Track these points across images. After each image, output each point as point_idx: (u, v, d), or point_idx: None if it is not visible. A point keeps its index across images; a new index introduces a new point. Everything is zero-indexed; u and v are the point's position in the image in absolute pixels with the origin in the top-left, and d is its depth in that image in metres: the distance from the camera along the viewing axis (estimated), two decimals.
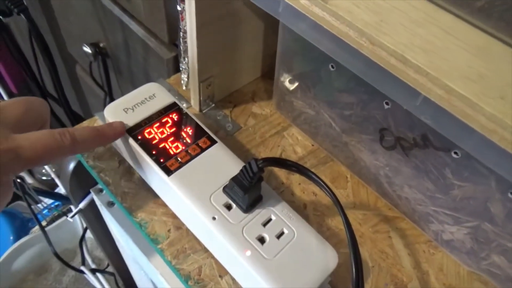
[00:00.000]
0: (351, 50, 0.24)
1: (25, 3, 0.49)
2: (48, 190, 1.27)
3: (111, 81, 0.74)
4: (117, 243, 0.60)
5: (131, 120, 0.36)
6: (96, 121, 0.43)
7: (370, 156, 0.39)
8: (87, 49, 0.69)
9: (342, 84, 0.37)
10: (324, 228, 0.39)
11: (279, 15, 0.30)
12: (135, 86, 0.39)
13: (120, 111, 0.37)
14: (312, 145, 0.45)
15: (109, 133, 0.34)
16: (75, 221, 1.16)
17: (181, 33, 0.40)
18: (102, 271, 0.86)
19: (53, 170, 1.19)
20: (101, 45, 0.69)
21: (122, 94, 0.38)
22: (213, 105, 0.46)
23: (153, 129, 0.36)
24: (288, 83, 0.42)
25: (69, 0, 0.70)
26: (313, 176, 0.30)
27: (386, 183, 0.39)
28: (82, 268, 0.82)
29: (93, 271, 0.85)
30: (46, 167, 1.18)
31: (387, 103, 0.33)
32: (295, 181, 0.42)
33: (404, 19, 0.24)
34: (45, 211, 1.27)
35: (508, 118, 0.19)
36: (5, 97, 1.07)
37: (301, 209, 0.40)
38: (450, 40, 0.23)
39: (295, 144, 0.45)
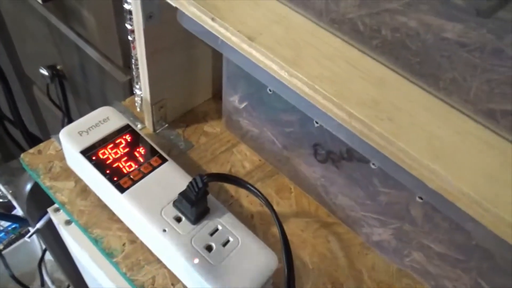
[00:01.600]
0: (277, 80, 0.29)
1: None
2: (5, 212, 1.23)
3: (69, 102, 0.76)
4: (76, 263, 0.61)
5: (85, 142, 0.39)
6: (52, 143, 0.45)
7: (308, 168, 0.43)
8: (44, 72, 0.70)
9: (280, 104, 0.41)
10: (269, 235, 0.42)
11: (219, 47, 0.34)
12: (92, 107, 0.42)
13: (75, 134, 0.39)
14: (259, 160, 0.49)
15: None
16: (34, 243, 1.14)
17: (133, 60, 0.43)
18: None
19: (10, 191, 1.17)
20: (58, 67, 0.71)
21: (80, 115, 0.41)
22: (166, 125, 0.49)
23: (107, 150, 0.39)
24: (234, 104, 0.47)
25: (25, 23, 0.71)
26: (251, 187, 0.34)
27: (323, 193, 0.44)
28: None
29: None
30: (2, 188, 1.16)
31: (316, 122, 0.37)
32: (243, 194, 0.45)
33: (317, 54, 0.28)
34: (1, 234, 1.23)
35: (393, 136, 0.24)
36: None
37: (248, 219, 0.43)
38: (354, 72, 0.28)
39: (244, 159, 0.49)
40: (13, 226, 1.26)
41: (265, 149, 0.47)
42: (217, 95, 0.54)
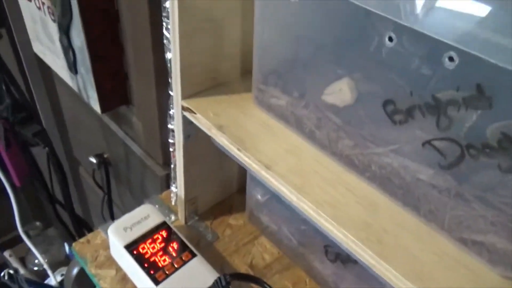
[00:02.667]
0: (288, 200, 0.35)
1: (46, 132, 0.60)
2: (39, 281, 1.30)
3: (111, 185, 0.85)
4: None
5: (129, 237, 0.46)
6: (99, 234, 0.53)
7: (320, 265, 0.48)
8: (92, 160, 0.80)
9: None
10: None
11: (244, 166, 0.41)
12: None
13: (121, 230, 0.47)
14: (278, 253, 0.54)
15: None
16: None
17: (172, 165, 0.51)
18: None
19: (46, 260, 1.24)
20: (105, 155, 0.81)
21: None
22: (197, 218, 0.56)
23: (146, 245, 0.46)
24: (255, 202, 0.53)
25: (80, 116, 0.84)
26: (267, 287, 0.39)
27: None
28: None
29: None
30: (39, 257, 1.23)
31: None
32: None
33: (321, 181, 0.35)
34: None
35: (382, 258, 0.30)
36: (8, 189, 1.16)
37: None
38: (350, 196, 0.34)
39: (264, 251, 0.54)
40: None
41: (283, 244, 0.53)
42: (242, 189, 0.61)
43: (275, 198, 0.50)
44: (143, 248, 0.45)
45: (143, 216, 0.48)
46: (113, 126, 0.72)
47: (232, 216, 0.58)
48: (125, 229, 0.47)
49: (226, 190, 0.60)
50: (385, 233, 0.31)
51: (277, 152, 0.37)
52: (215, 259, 0.51)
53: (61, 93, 0.87)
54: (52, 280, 1.24)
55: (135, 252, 0.45)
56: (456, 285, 0.28)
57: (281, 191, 0.35)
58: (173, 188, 0.55)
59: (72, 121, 0.92)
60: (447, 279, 0.29)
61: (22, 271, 1.40)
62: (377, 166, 0.33)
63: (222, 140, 0.39)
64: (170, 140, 0.49)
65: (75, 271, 0.53)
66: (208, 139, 0.44)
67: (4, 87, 0.54)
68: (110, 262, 0.50)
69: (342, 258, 0.44)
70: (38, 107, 0.98)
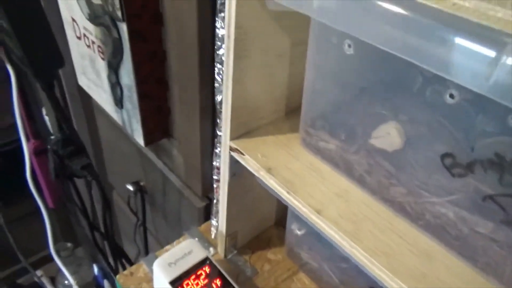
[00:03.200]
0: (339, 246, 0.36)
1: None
2: None
3: (146, 212, 0.87)
4: None
5: (174, 273, 0.47)
6: (141, 266, 0.54)
7: None
8: (130, 187, 0.82)
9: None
10: None
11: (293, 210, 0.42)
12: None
13: (166, 265, 0.47)
14: None
15: None
16: None
17: (214, 200, 0.52)
18: None
19: (75, 281, 1.26)
20: (141, 183, 0.83)
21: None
22: (236, 252, 0.57)
23: (190, 281, 0.46)
24: (295, 237, 0.53)
25: (118, 145, 0.86)
26: None
27: None
28: None
29: None
30: (70, 278, 1.25)
31: None
32: None
33: (373, 227, 0.35)
34: None
35: (391, 272, 0.29)
36: (43, 210, 1.20)
37: None
38: (403, 244, 0.34)
39: None
40: None
41: (323, 281, 0.52)
42: (279, 222, 0.62)
43: (315, 234, 0.50)
44: (188, 285, 0.46)
45: (187, 251, 0.49)
46: (152, 156, 0.74)
47: (270, 251, 0.58)
48: (170, 264, 0.47)
49: (264, 223, 0.60)
50: (442, 283, 0.31)
51: (326, 196, 0.38)
52: None
53: (100, 124, 0.90)
54: None
55: None
56: None
57: (332, 237, 0.35)
58: (214, 222, 0.56)
59: (109, 150, 0.95)
60: None
61: None
62: (432, 216, 0.33)
63: (271, 182, 0.40)
64: (215, 177, 0.50)
65: None
66: (252, 176, 0.45)
67: (56, 122, 0.57)
68: None
69: None
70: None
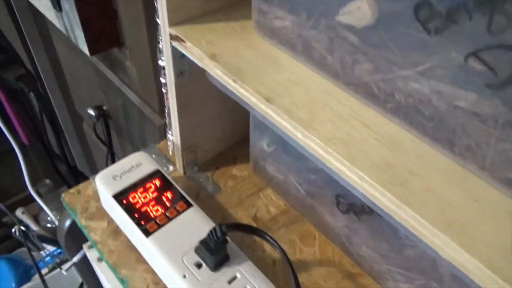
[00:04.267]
0: (292, 138, 0.30)
1: (39, 83, 0.56)
2: (52, 237, 1.31)
3: (112, 139, 0.81)
4: None
5: (118, 186, 0.41)
6: (91, 184, 0.49)
7: (331, 217, 0.43)
8: (91, 112, 0.76)
9: (303, 155, 0.42)
10: (292, 284, 0.42)
11: (242, 103, 0.36)
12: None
13: (109, 178, 0.42)
14: (285, 205, 0.49)
15: None
16: (75, 272, 1.19)
17: (166, 108, 0.46)
18: None
19: (58, 217, 1.24)
20: (104, 108, 0.76)
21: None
22: (197, 168, 0.52)
23: (137, 194, 0.41)
24: (260, 149, 0.48)
25: (78, 68, 0.78)
26: (268, 238, 0.34)
27: (347, 243, 0.43)
28: None
29: None
30: (51, 215, 1.23)
31: None
32: None
33: (333, 115, 0.29)
34: (47, 259, 1.30)
35: (404, 203, 0.24)
36: (16, 148, 1.15)
37: (270, 265, 0.44)
38: (369, 133, 0.28)
39: (269, 204, 0.49)
40: (59, 251, 1.33)
41: (291, 195, 0.48)
42: (246, 139, 0.56)
43: (282, 147, 0.44)
44: (134, 198, 0.41)
45: (135, 164, 0.44)
46: (109, 73, 0.66)
47: (235, 167, 0.53)
48: (114, 177, 0.42)
49: (228, 139, 0.54)
50: (411, 174, 0.26)
51: (280, 84, 0.31)
52: (216, 212, 0.47)
53: (57, 45, 0.82)
54: (64, 251, 1.24)
55: (124, 201, 0.41)
56: (499, 237, 0.23)
57: (284, 128, 0.29)
58: (169, 136, 0.50)
59: (71, 75, 0.87)
60: (487, 228, 0.23)
61: (35, 228, 1.41)
62: (402, 94, 0.27)
63: (215, 71, 0.33)
64: (162, 80, 0.43)
65: (67, 223, 0.49)
66: (204, 77, 0.38)
67: None
68: (102, 213, 0.46)
69: (355, 209, 0.39)
70: (37, 64, 0.93)
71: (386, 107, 0.28)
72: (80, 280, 1.07)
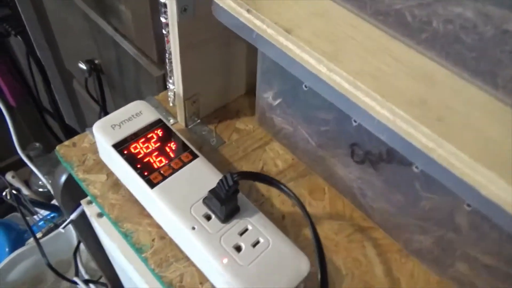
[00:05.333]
0: (314, 75, 0.27)
1: (25, 23, 0.51)
2: (44, 201, 1.29)
3: (106, 96, 0.77)
4: (108, 254, 0.62)
5: (117, 136, 0.39)
6: (87, 136, 0.46)
7: (344, 169, 0.41)
8: (82, 66, 0.71)
9: (316, 102, 0.39)
10: (301, 237, 0.41)
11: (254, 41, 0.33)
12: (127, 101, 0.42)
13: (108, 127, 0.39)
14: (292, 159, 0.47)
15: None
16: (70, 233, 1.18)
17: (167, 54, 0.43)
18: (95, 282, 0.88)
19: (50, 182, 1.21)
20: (96, 62, 0.72)
21: (116, 108, 0.41)
22: (199, 121, 0.49)
23: (138, 144, 0.39)
24: (268, 100, 0.45)
25: (66, 18, 0.73)
26: (283, 187, 0.32)
27: (360, 195, 0.42)
28: (75, 279, 0.83)
29: (86, 282, 0.86)
30: (42, 179, 1.20)
31: (355, 121, 0.35)
32: (275, 193, 0.44)
33: (359, 48, 0.26)
34: (41, 223, 1.28)
35: (444, 138, 0.22)
36: (3, 110, 1.10)
37: (279, 220, 0.42)
38: (399, 67, 0.25)
39: (276, 157, 0.47)
40: (52, 215, 1.31)
41: (299, 148, 0.45)
42: (251, 91, 0.53)
43: (292, 96, 0.42)
44: (135, 148, 0.38)
45: (135, 113, 0.41)
46: (101, 22, 0.62)
47: (239, 120, 0.50)
48: (113, 126, 0.39)
49: (232, 92, 0.51)
50: (448, 110, 0.23)
51: (299, 15, 0.28)
52: (220, 165, 0.44)
53: None
54: (61, 208, 1.22)
55: (125, 151, 0.38)
56: None
57: (305, 62, 0.27)
58: (170, 85, 0.47)
59: (59, 27, 0.82)
60: None
61: (26, 192, 1.38)
62: (441, 21, 0.24)
63: (227, 2, 0.30)
64: (162, 19, 0.39)
65: (63, 178, 0.47)
66: (210, 14, 0.35)
67: None
68: (100, 166, 0.43)
69: (372, 158, 0.37)
70: (24, 21, 0.87)
71: (420, 38, 0.25)
72: (75, 242, 1.06)
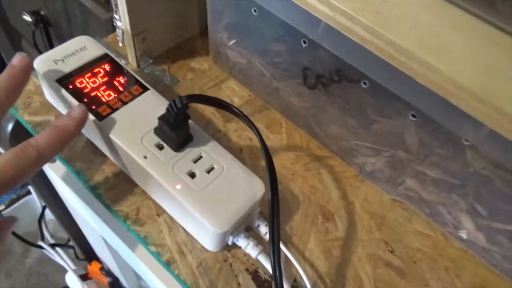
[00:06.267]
0: None
1: None
2: None
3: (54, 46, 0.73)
4: (70, 210, 0.61)
5: (61, 70, 0.37)
6: (31, 79, 0.43)
7: (298, 99, 0.41)
8: (27, 18, 0.67)
9: (267, 31, 0.39)
10: (259, 169, 0.41)
11: None
12: None
13: (50, 62, 0.37)
14: (249, 95, 0.47)
15: (71, 126, 0.31)
16: (34, 202, 1.15)
17: None
18: (61, 245, 0.87)
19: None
20: (42, 12, 0.68)
21: None
22: (151, 61, 0.47)
23: (84, 79, 0.37)
24: (221, 36, 0.44)
25: None
26: (235, 109, 0.32)
27: (315, 124, 0.42)
28: (41, 243, 0.82)
29: (53, 246, 0.85)
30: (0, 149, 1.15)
31: (304, 42, 0.35)
32: (232, 128, 0.44)
33: None
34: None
35: (381, 28, 0.22)
36: None
37: (237, 153, 0.42)
38: None
39: (233, 95, 0.47)
40: None
41: (255, 82, 0.45)
42: (205, 32, 0.52)
43: (243, 28, 0.41)
44: (81, 83, 0.37)
45: (78, 48, 0.39)
46: None
47: (194, 60, 0.49)
48: (55, 61, 0.37)
49: (185, 30, 0.50)
50: (385, 3, 0.23)
51: None
52: None
53: None
54: None
55: (70, 86, 0.36)
56: (480, 60, 0.21)
57: None
58: (117, 22, 0.44)
59: None
60: (468, 53, 0.22)
61: None
62: None
63: None
64: None
65: (10, 125, 0.44)
66: None
67: None
68: (48, 107, 0.41)
69: (324, 81, 0.37)
70: None
71: None
72: (39, 210, 1.03)
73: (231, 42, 0.44)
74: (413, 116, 0.32)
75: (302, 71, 0.38)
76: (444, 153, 0.34)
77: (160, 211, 0.36)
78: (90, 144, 0.39)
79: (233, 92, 0.47)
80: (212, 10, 0.43)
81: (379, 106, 0.35)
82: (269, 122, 0.45)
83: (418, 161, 0.36)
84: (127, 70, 0.39)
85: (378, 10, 0.23)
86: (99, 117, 0.35)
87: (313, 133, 0.43)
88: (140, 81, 0.38)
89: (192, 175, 0.34)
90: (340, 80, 0.35)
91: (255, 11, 0.37)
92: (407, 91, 0.25)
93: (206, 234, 0.33)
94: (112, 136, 0.34)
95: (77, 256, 0.86)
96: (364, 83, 0.33)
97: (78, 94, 0.36)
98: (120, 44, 0.47)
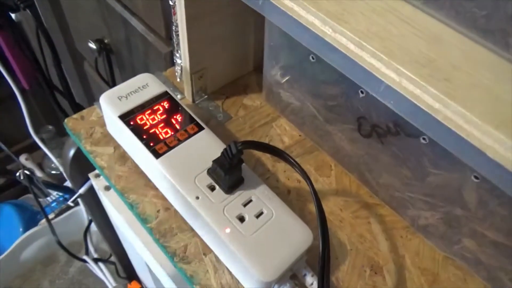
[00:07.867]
0: (320, 41, 0.26)
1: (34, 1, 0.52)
2: (57, 183, 1.31)
3: (115, 76, 0.77)
4: (116, 229, 0.63)
5: (124, 107, 0.39)
6: (95, 110, 0.46)
7: (351, 144, 0.41)
8: (92, 45, 0.72)
9: (324, 76, 0.39)
10: (306, 212, 0.40)
11: (260, 8, 0.32)
12: None
13: (114, 99, 0.39)
14: (299, 135, 0.47)
15: None
16: (82, 214, 1.20)
17: (173, 26, 0.42)
18: (104, 261, 0.89)
19: (61, 162, 1.23)
20: (106, 41, 0.72)
21: None
22: (206, 96, 0.49)
23: (144, 116, 0.39)
24: (275, 75, 0.45)
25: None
26: (287, 157, 0.32)
27: (366, 171, 0.41)
28: (85, 257, 0.85)
29: (96, 261, 0.88)
30: (55, 161, 1.22)
31: (361, 92, 0.35)
32: (281, 168, 0.44)
33: (364, 8, 0.26)
34: (53, 204, 1.31)
35: (450, 98, 0.21)
36: (17, 93, 1.11)
37: (284, 194, 0.42)
38: (406, 28, 0.25)
39: (283, 134, 0.47)
40: (65, 196, 1.33)
41: (306, 124, 0.45)
42: (259, 69, 0.53)
43: (299, 71, 0.41)
44: (141, 119, 0.38)
45: (141, 85, 0.41)
46: (111, 1, 0.62)
47: (246, 97, 0.50)
48: (119, 98, 0.39)
49: (240, 67, 0.51)
50: (456, 70, 0.23)
51: None
52: (226, 140, 0.44)
53: None
54: (70, 182, 1.24)
55: (131, 122, 0.38)
56: None
57: (310, 24, 0.26)
58: (177, 59, 0.46)
59: (70, 7, 0.82)
60: None
61: (39, 174, 1.41)
62: None
63: None
64: None
65: (71, 151, 0.47)
66: None
67: None
68: (108, 139, 0.43)
69: (379, 131, 0.36)
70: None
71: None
72: (86, 223, 1.08)
73: (285, 83, 0.44)
74: (476, 177, 0.30)
75: (357, 119, 0.38)
76: (506, 214, 0.32)
77: (207, 250, 0.37)
78: (144, 176, 0.41)
79: (284, 131, 0.47)
80: (269, 51, 0.44)
81: (437, 160, 0.34)
82: (319, 164, 0.44)
83: (477, 220, 0.34)
84: (184, 108, 0.40)
85: (447, 78, 0.22)
86: (156, 154, 0.36)
87: (364, 180, 0.42)
88: (196, 120, 0.39)
89: (242, 219, 0.34)
90: (398, 133, 0.34)
91: (312, 58, 0.37)
92: (471, 157, 0.24)
93: (252, 280, 0.32)
94: (166, 174, 0.35)
95: (118, 273, 0.89)
96: (424, 139, 0.32)
97: (138, 130, 0.38)
98: (178, 80, 0.49)
